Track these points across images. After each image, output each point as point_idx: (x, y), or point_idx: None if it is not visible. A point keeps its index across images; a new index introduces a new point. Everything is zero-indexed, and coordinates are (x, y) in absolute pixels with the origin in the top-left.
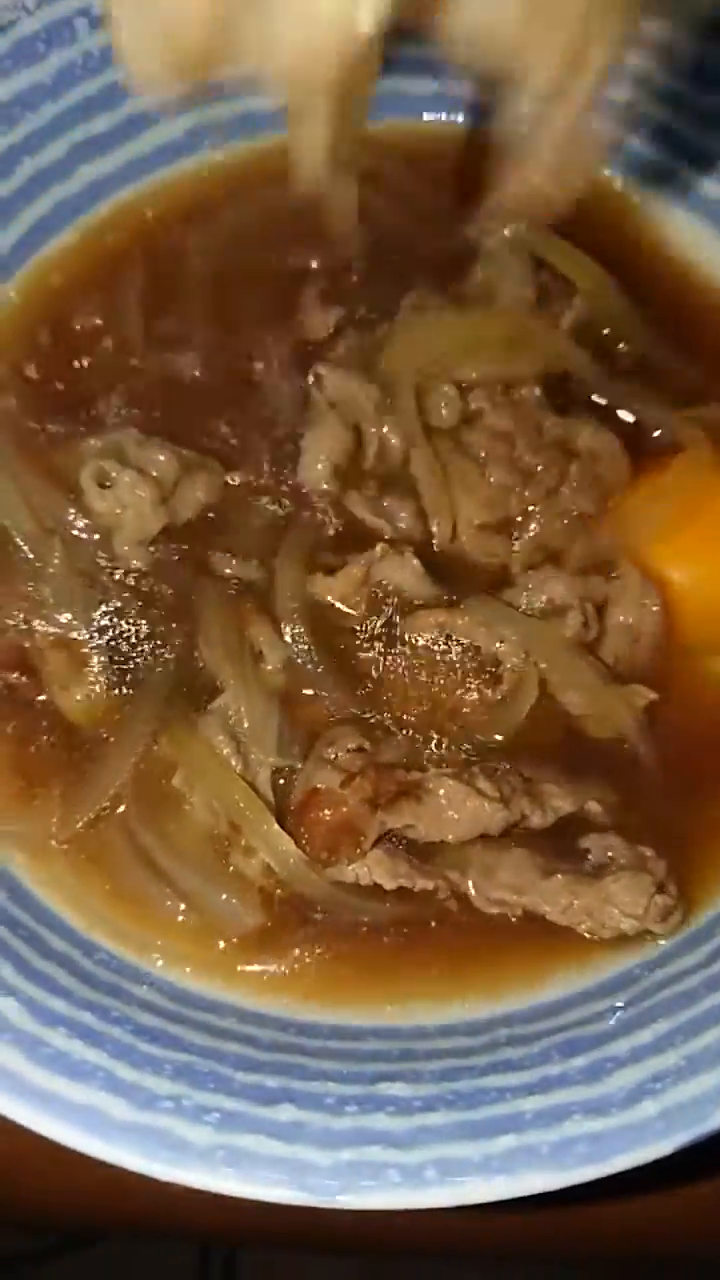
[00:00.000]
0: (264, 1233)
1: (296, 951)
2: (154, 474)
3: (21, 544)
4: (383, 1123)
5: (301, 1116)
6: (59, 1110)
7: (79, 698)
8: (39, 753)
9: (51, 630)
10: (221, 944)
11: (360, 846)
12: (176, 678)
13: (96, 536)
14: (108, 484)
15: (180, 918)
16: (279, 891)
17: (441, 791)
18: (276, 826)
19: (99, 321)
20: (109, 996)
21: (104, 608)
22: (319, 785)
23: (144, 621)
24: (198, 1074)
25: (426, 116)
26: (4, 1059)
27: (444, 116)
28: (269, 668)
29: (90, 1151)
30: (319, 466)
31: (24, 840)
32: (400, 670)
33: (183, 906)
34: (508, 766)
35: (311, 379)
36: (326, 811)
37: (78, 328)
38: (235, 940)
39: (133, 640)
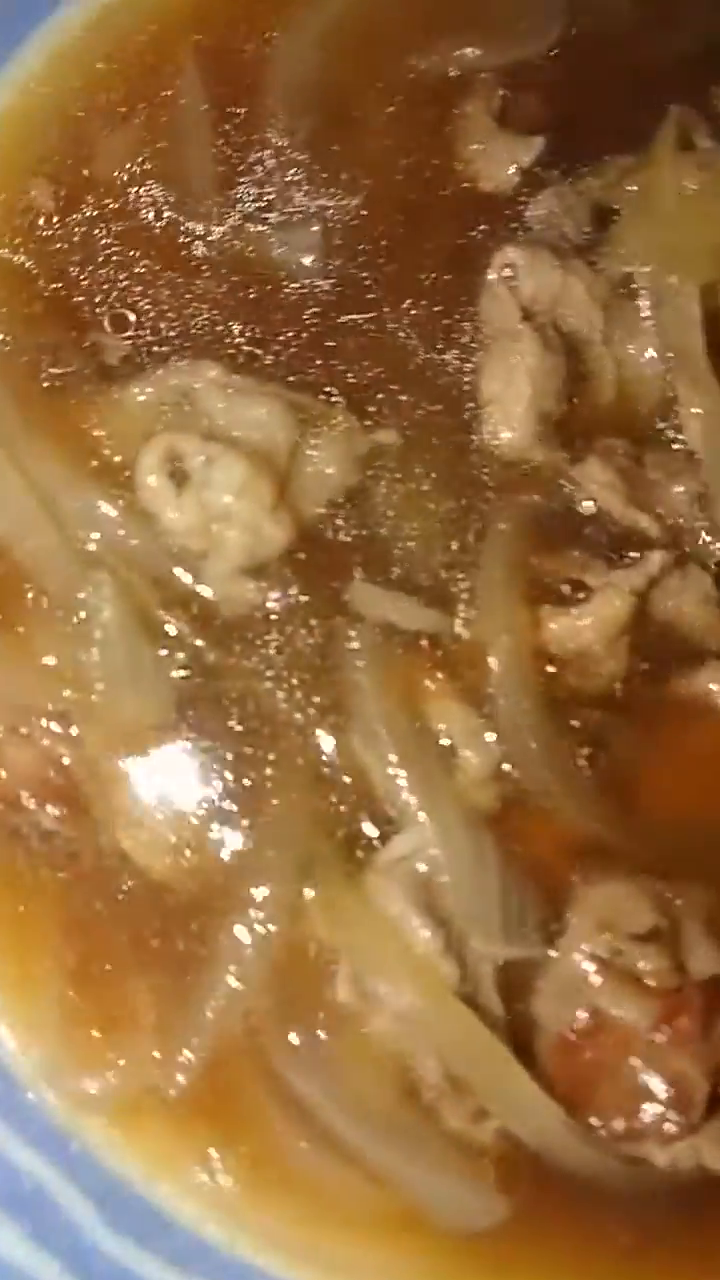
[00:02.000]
0: None
1: (555, 1248)
2: (259, 447)
3: (46, 583)
4: None
5: None
6: None
7: (159, 841)
8: (110, 942)
9: (106, 730)
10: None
11: (686, 1120)
12: (317, 802)
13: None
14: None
15: (368, 1205)
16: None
17: None
18: (534, 1087)
19: (133, 170)
20: None
21: (186, 678)
22: (613, 1015)
23: (256, 704)
24: None
25: None
26: None
27: None
28: (468, 775)
29: None
30: (517, 416)
31: (105, 1100)
32: (693, 771)
33: (372, 1189)
34: None
35: (494, 270)
36: (628, 1060)
37: (97, 184)
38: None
39: (240, 738)
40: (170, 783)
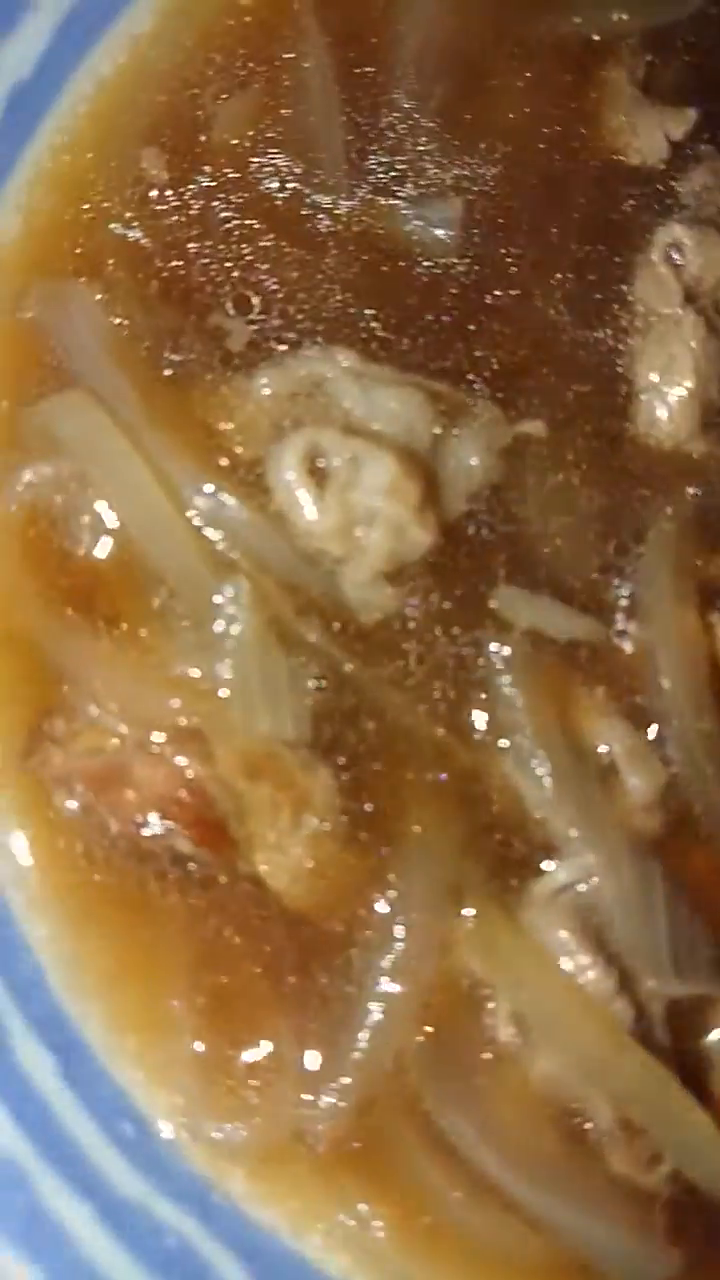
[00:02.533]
0: None
1: None
2: (401, 442)
3: (176, 588)
4: None
5: None
6: None
7: (297, 867)
8: (246, 976)
9: (239, 747)
10: None
11: None
12: (465, 827)
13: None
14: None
15: (530, 1256)
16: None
17: None
18: (715, 1131)
19: (254, 138)
20: None
21: (322, 691)
22: None
23: (396, 719)
24: None
25: None
26: None
27: None
28: (632, 798)
29: None
30: (677, 405)
31: (247, 1149)
32: None
33: (535, 1239)
34: None
35: (656, 249)
36: None
37: (215, 153)
38: None
39: (379, 755)
40: (307, 803)
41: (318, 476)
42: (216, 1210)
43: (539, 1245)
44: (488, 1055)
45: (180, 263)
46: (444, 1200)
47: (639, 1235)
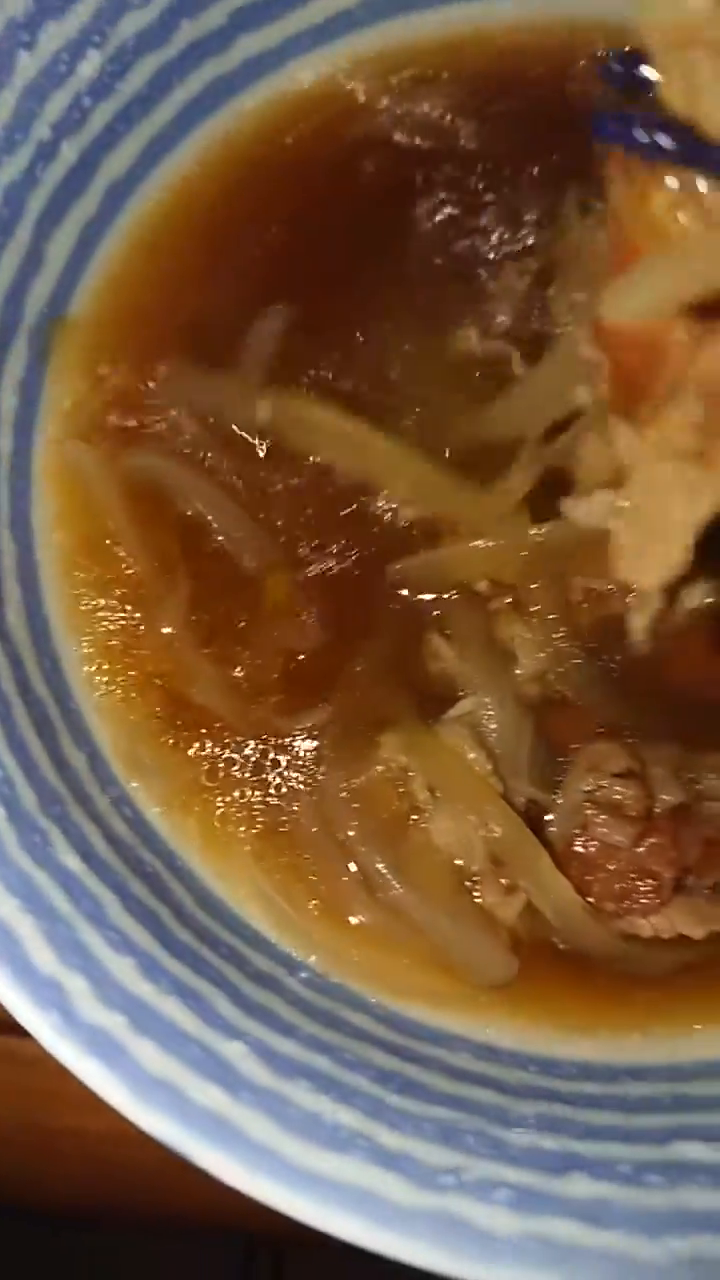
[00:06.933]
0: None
1: (544, 994)
2: None
3: None
4: (701, 1201)
5: (602, 1191)
6: (330, 1195)
7: None
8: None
9: None
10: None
11: (659, 898)
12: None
13: None
14: None
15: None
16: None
17: None
18: (555, 869)
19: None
20: (332, 1030)
21: None
22: (600, 834)
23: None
24: (465, 1136)
25: None
26: (256, 1130)
27: None
28: (521, 672)
29: (371, 1246)
30: None
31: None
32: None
33: (415, 941)
34: None
35: None
36: (615, 864)
37: None
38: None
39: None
40: None
41: None
42: (179, 866)
43: (421, 943)
44: (404, 810)
45: None
46: (354, 897)
47: (494, 947)
